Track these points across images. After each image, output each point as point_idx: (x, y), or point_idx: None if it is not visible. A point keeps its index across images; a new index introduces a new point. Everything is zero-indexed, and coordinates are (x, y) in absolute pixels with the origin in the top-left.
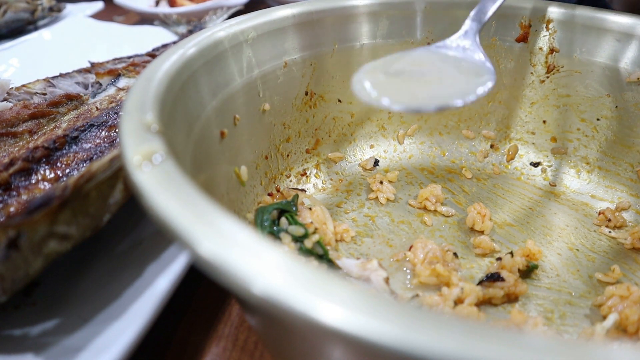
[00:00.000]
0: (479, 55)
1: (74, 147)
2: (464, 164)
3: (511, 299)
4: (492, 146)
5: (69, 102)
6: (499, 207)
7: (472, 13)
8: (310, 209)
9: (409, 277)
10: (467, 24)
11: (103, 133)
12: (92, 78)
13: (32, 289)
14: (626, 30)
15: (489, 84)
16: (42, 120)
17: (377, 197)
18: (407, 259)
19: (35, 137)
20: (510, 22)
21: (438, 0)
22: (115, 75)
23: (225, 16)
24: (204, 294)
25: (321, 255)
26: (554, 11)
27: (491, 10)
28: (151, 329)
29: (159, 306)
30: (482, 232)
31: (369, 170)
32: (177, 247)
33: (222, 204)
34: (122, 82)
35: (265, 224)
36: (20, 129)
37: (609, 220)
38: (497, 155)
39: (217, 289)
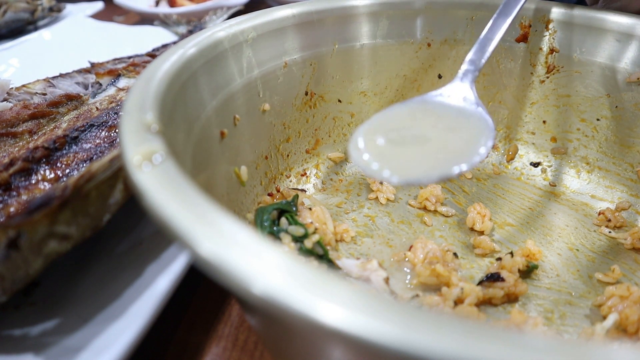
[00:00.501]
0: (478, 109)
1: (74, 147)
2: None
3: (511, 299)
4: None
5: (69, 102)
6: (499, 207)
7: (470, 54)
8: (310, 209)
9: (409, 277)
10: (464, 67)
11: (103, 133)
12: (92, 78)
13: (32, 289)
14: (626, 30)
15: (489, 144)
16: (42, 121)
17: (377, 197)
18: (407, 259)
19: (35, 137)
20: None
21: (438, 0)
22: (115, 75)
23: (225, 16)
24: (204, 294)
25: (321, 255)
26: (554, 11)
27: (490, 49)
28: (151, 329)
29: (159, 306)
30: (482, 232)
31: None
32: (177, 247)
33: (222, 204)
34: (122, 82)
35: (265, 224)
36: (20, 129)
37: (609, 220)
38: (497, 155)
39: (217, 289)
